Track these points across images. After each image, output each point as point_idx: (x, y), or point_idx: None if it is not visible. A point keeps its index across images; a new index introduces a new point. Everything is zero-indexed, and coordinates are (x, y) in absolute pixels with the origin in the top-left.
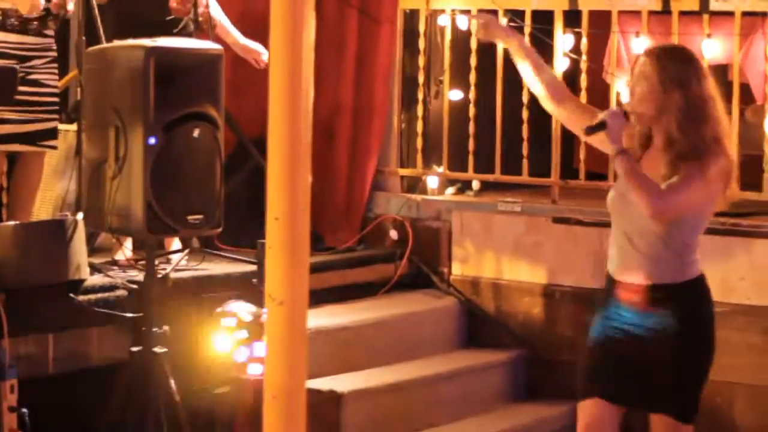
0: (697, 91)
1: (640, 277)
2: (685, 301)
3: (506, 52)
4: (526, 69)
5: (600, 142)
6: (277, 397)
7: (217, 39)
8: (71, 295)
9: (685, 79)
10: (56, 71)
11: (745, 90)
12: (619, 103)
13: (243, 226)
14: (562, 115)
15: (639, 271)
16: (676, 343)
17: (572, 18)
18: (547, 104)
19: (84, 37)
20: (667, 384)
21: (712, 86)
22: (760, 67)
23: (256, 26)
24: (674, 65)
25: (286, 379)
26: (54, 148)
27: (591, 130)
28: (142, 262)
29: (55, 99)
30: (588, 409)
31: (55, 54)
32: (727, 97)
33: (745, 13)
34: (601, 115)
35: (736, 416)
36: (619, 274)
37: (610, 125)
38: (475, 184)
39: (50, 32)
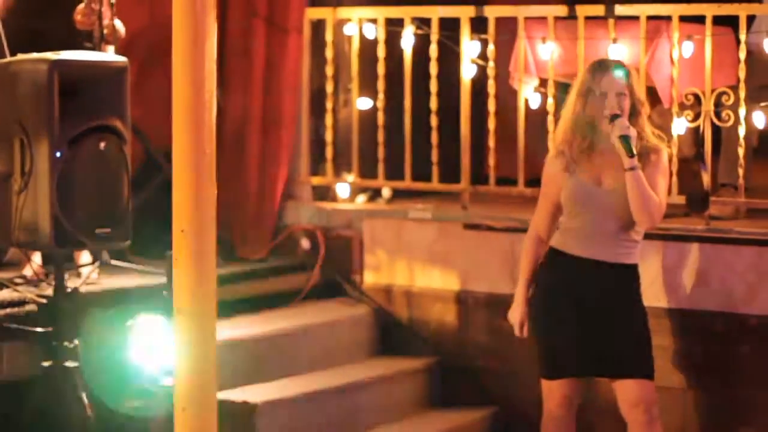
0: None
1: (608, 255)
2: (636, 278)
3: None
4: None
5: None
6: (187, 408)
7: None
8: None
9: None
10: None
11: (651, 93)
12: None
13: (155, 238)
14: None
15: (607, 250)
16: (639, 312)
17: (478, 24)
18: None
19: None
20: (637, 349)
21: None
22: (666, 71)
23: (161, 38)
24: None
25: (195, 390)
26: None
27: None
28: (52, 277)
29: None
30: (558, 389)
31: None
32: None
33: (650, 17)
34: (620, 131)
35: None
36: (586, 252)
37: (632, 137)
38: (386, 192)
39: None
